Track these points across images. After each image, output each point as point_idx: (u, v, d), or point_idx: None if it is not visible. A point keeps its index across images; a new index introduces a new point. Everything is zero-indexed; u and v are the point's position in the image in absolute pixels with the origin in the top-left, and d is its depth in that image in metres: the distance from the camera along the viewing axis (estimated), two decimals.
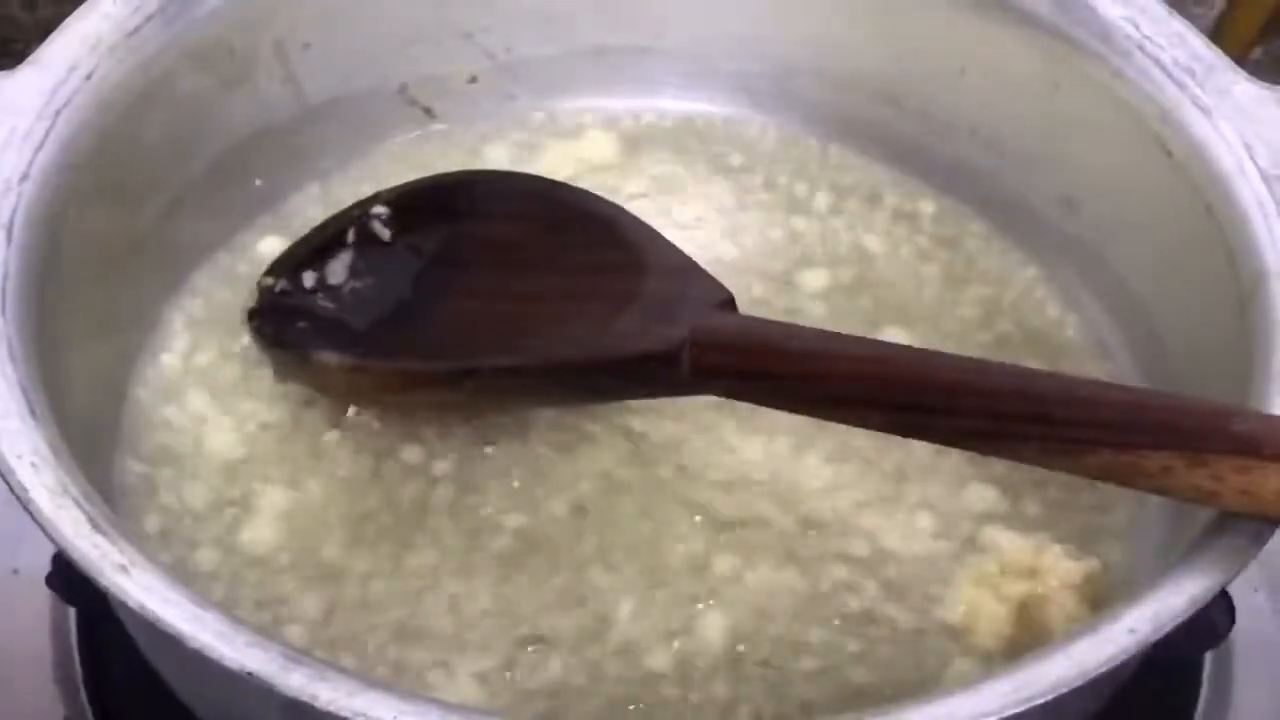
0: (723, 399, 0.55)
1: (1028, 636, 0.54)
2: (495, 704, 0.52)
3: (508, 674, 0.53)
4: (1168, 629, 0.44)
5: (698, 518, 0.56)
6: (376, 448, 0.58)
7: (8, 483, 0.45)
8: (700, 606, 0.54)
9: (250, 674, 0.42)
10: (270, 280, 0.61)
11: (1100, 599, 0.54)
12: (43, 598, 0.60)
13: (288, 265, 0.61)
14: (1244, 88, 0.57)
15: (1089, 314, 0.63)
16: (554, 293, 0.56)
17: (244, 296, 0.61)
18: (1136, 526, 0.57)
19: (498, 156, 0.67)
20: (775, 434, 0.58)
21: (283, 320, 0.60)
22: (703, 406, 0.58)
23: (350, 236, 0.61)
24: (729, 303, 0.54)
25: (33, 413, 0.47)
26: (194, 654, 0.42)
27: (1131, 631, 0.44)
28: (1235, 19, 1.01)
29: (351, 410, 0.59)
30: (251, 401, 0.59)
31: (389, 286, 0.59)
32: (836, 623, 0.54)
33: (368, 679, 0.42)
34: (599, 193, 0.61)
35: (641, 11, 0.67)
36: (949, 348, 0.60)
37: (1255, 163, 0.55)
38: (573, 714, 0.52)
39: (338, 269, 0.60)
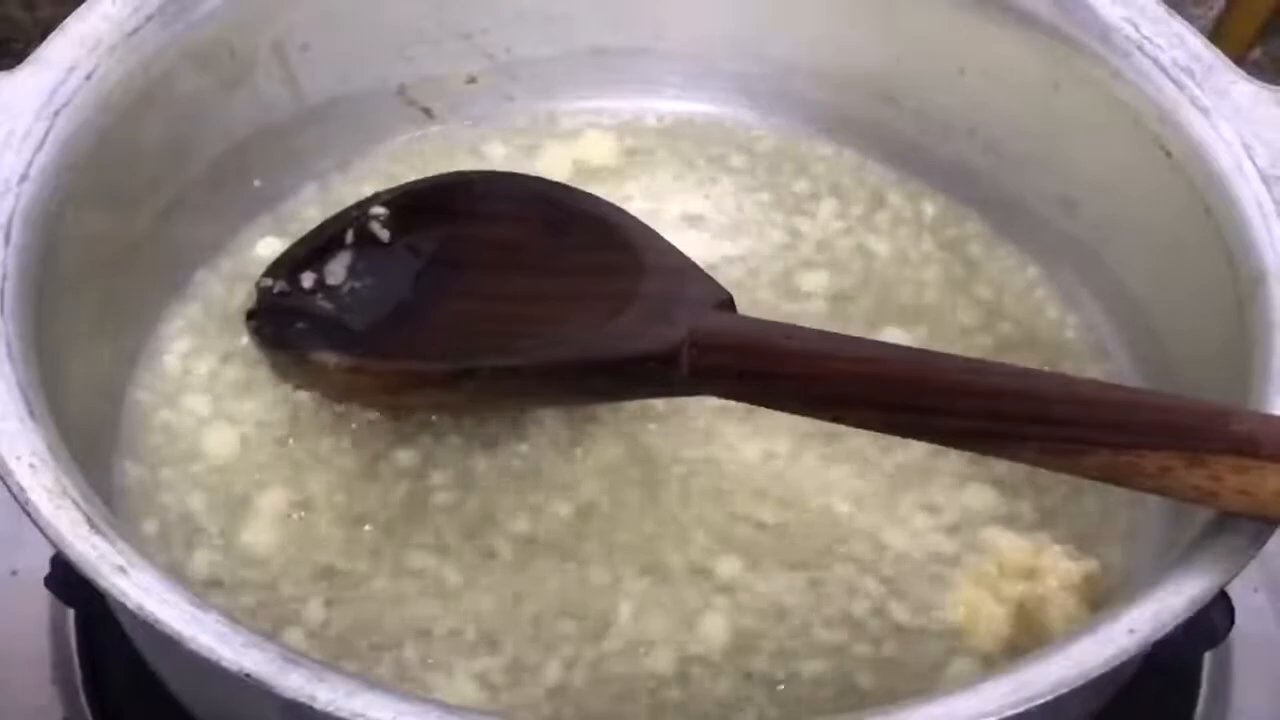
0: (722, 399, 0.55)
1: (1027, 637, 0.54)
2: (495, 705, 0.52)
3: (508, 675, 0.53)
4: (1167, 629, 0.44)
5: (698, 519, 0.56)
6: (376, 448, 0.58)
7: (6, 484, 0.45)
8: (701, 608, 0.54)
9: (248, 675, 0.42)
10: (269, 281, 0.61)
11: (1099, 599, 0.54)
12: (41, 599, 0.60)
13: (287, 266, 0.61)
14: (1243, 88, 0.57)
15: (1088, 314, 0.63)
16: (553, 293, 0.56)
17: (243, 297, 0.61)
18: (1135, 527, 0.57)
19: (496, 157, 0.67)
20: (775, 435, 0.58)
21: (282, 321, 0.60)
22: (702, 407, 0.58)
23: (349, 237, 0.61)
24: (728, 303, 0.54)
25: (31, 414, 0.47)
26: (192, 655, 0.42)
27: (1131, 632, 0.44)
28: (1234, 19, 1.01)
29: (351, 411, 0.59)
30: (251, 402, 0.59)
31: (388, 287, 0.59)
32: (837, 623, 0.54)
33: (367, 680, 0.42)
34: (597, 193, 0.61)
35: (640, 12, 0.67)
36: (948, 348, 0.61)
37: (1254, 163, 0.55)
38: (574, 716, 0.52)
39: (337, 270, 0.60)
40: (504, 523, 0.56)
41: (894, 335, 0.62)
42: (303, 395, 0.59)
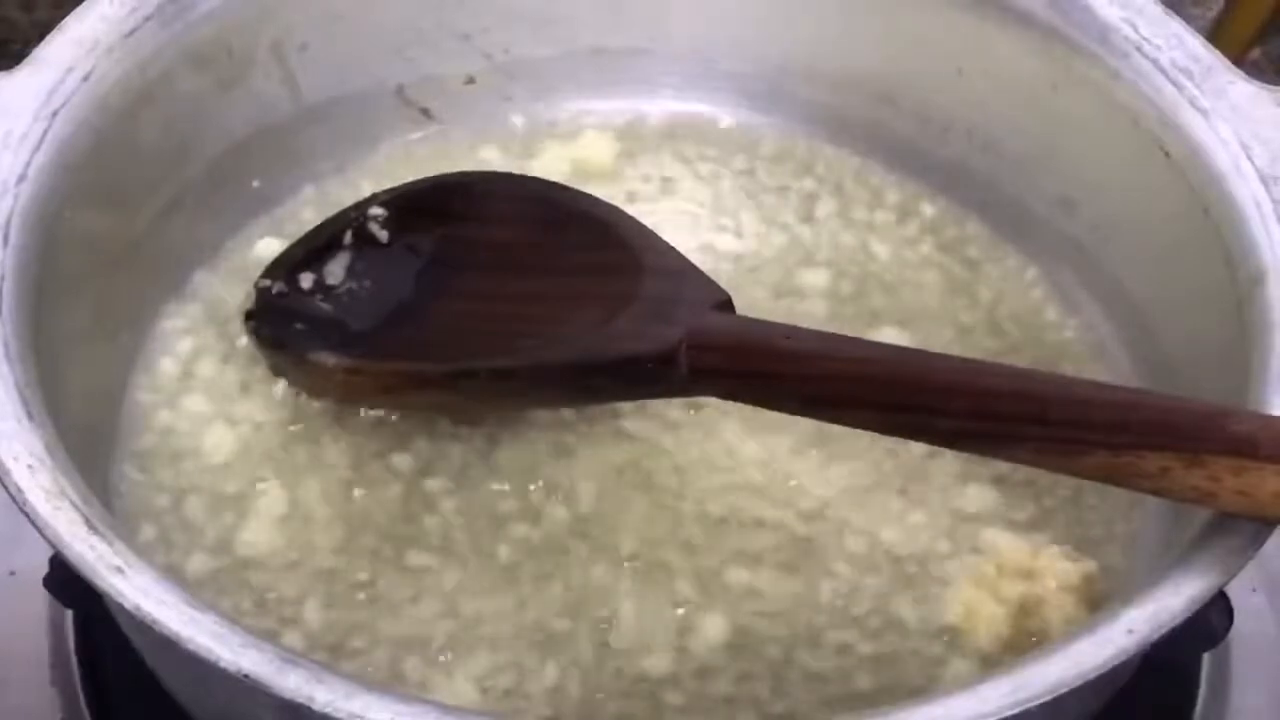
0: (721, 400, 0.55)
1: (1026, 638, 0.54)
2: (494, 707, 0.52)
3: (507, 676, 0.53)
4: (1166, 630, 0.44)
5: (697, 519, 0.56)
6: (375, 449, 0.58)
7: (4, 484, 0.45)
8: (701, 608, 0.54)
9: (246, 675, 0.42)
10: (268, 282, 0.60)
11: (1098, 600, 0.54)
12: (40, 600, 0.60)
13: (285, 266, 0.61)
14: (1241, 88, 0.57)
15: (1087, 314, 0.63)
16: (551, 294, 0.56)
17: (241, 298, 0.61)
18: (1134, 528, 0.57)
19: (495, 157, 0.67)
20: (774, 435, 0.58)
21: (280, 321, 0.59)
22: (701, 408, 0.58)
23: (348, 238, 0.61)
24: (726, 304, 0.54)
25: (29, 414, 0.47)
26: (190, 655, 0.42)
27: (1130, 632, 0.44)
28: (1233, 20, 1.01)
29: (350, 411, 0.59)
30: (249, 403, 0.59)
31: (387, 288, 0.59)
32: (836, 624, 0.54)
33: (365, 681, 0.42)
34: (596, 194, 0.61)
35: (639, 13, 0.67)
36: (947, 349, 0.61)
37: (1253, 163, 0.55)
38: (573, 717, 0.52)
39: (335, 270, 0.60)
40: (503, 523, 0.56)
41: (892, 336, 0.62)
42: (301, 396, 0.59)
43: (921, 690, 0.52)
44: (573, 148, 0.67)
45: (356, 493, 0.57)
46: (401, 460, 0.58)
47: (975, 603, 0.54)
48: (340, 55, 0.64)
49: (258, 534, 0.56)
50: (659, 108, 0.69)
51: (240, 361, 0.60)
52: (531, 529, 0.56)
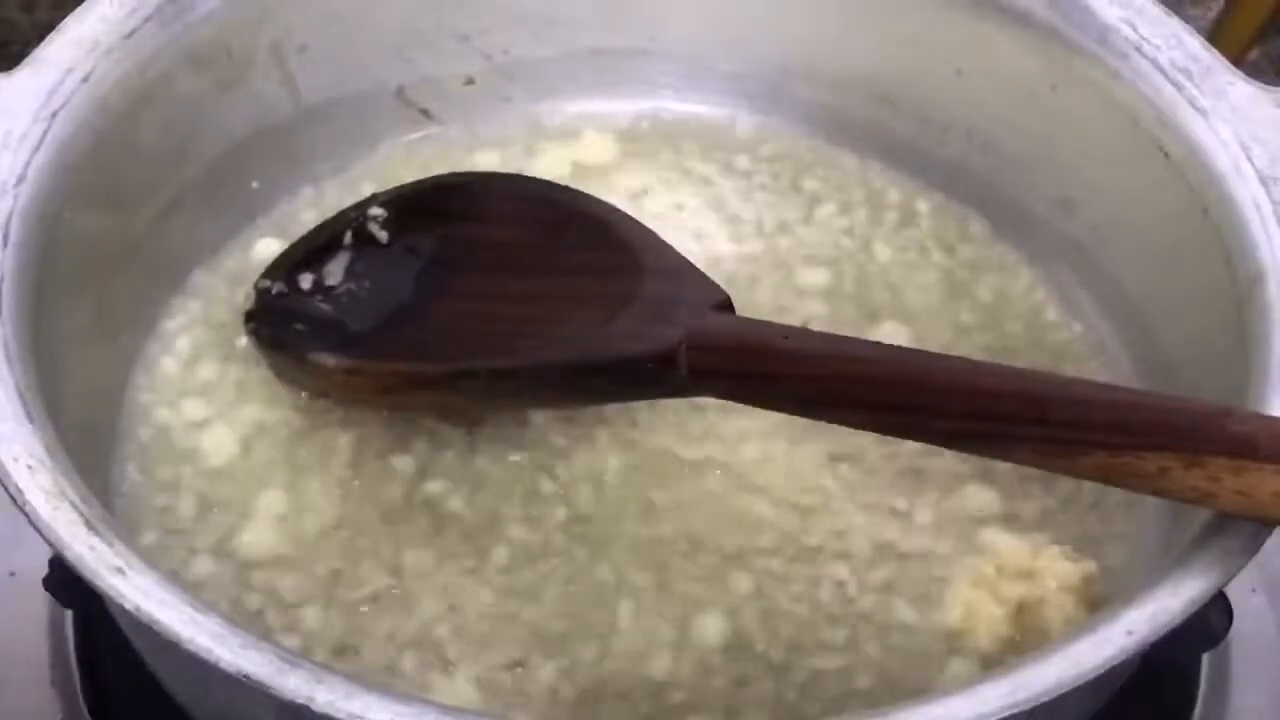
0: (720, 400, 0.55)
1: (1025, 638, 0.54)
2: (494, 707, 0.52)
3: (507, 677, 0.53)
4: (1165, 630, 0.44)
5: (696, 520, 0.56)
6: (375, 450, 0.58)
7: (4, 485, 0.45)
8: (701, 609, 0.54)
9: (247, 676, 0.42)
10: (267, 282, 0.61)
11: (1098, 600, 0.54)
12: (40, 600, 0.60)
13: (285, 267, 0.61)
14: (1241, 89, 0.57)
15: (1086, 314, 0.63)
16: (551, 294, 0.56)
17: (241, 298, 0.61)
18: (1134, 528, 0.57)
19: (494, 158, 0.67)
20: (774, 436, 0.58)
21: (280, 322, 0.59)
22: (701, 408, 0.58)
23: (347, 238, 0.61)
24: (726, 304, 0.54)
25: (29, 416, 0.47)
26: (191, 656, 0.42)
27: (1129, 633, 0.44)
28: (1233, 20, 1.01)
29: (350, 412, 0.59)
30: (249, 404, 0.59)
31: (386, 288, 0.59)
32: (836, 624, 0.54)
33: (365, 681, 0.42)
34: (596, 194, 0.61)
35: (638, 13, 0.67)
36: (947, 349, 0.61)
37: (1252, 164, 0.55)
38: (573, 718, 0.52)
39: (335, 271, 0.60)
40: (503, 524, 0.56)
41: (892, 336, 0.62)
42: (301, 396, 0.59)
43: (922, 690, 0.52)
44: (572, 148, 0.67)
45: (357, 493, 0.57)
46: (401, 461, 0.58)
47: (975, 603, 0.54)
48: (340, 56, 0.64)
49: (258, 535, 0.56)
50: (659, 108, 0.69)
51: (240, 362, 0.60)
52: (531, 529, 0.56)
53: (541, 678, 0.53)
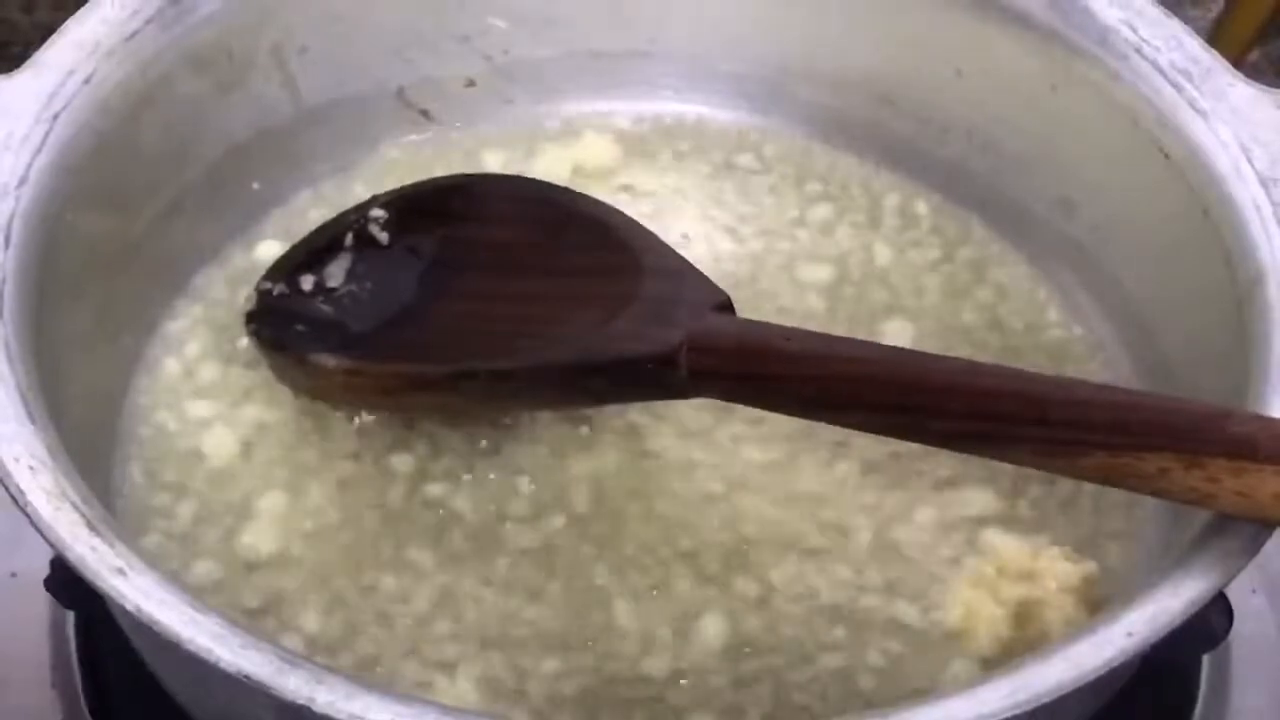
0: (721, 401, 0.55)
1: (1025, 639, 0.54)
2: (494, 707, 0.52)
3: (507, 677, 0.53)
4: (1165, 631, 0.44)
5: (697, 521, 0.56)
6: (375, 451, 0.58)
7: (6, 486, 0.45)
8: (701, 610, 0.54)
9: (247, 677, 0.42)
10: (268, 284, 0.61)
11: (1098, 601, 0.54)
12: (41, 601, 0.60)
13: (286, 268, 0.61)
14: (1241, 90, 0.57)
15: (1086, 315, 0.63)
16: (551, 295, 0.56)
17: (242, 300, 0.61)
18: (1134, 529, 0.57)
19: (495, 159, 0.67)
20: (773, 437, 0.58)
21: (281, 323, 0.60)
22: (700, 409, 0.58)
23: (348, 240, 0.61)
24: (726, 305, 0.54)
25: (31, 417, 0.47)
26: (191, 657, 0.42)
27: (1129, 634, 0.44)
28: (1233, 21, 1.01)
29: (351, 413, 0.59)
30: (250, 405, 0.59)
31: (387, 289, 0.59)
32: (836, 625, 0.54)
33: (365, 682, 0.42)
34: (596, 196, 0.61)
35: (638, 14, 0.67)
36: (947, 350, 0.61)
37: (1252, 165, 0.55)
38: (573, 718, 0.52)
39: (336, 272, 0.60)
40: (503, 524, 0.56)
41: (893, 337, 0.62)
42: (302, 398, 0.59)
43: (922, 691, 0.52)
44: (573, 149, 0.67)
45: (357, 494, 0.57)
46: (402, 461, 0.58)
47: (975, 604, 0.54)
48: (340, 58, 0.64)
49: (259, 535, 0.56)
50: (659, 109, 0.69)
51: (241, 363, 0.60)
52: (532, 530, 0.56)
53: (541, 678, 0.53)
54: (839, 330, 0.60)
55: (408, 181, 0.63)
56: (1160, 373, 0.59)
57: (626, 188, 0.66)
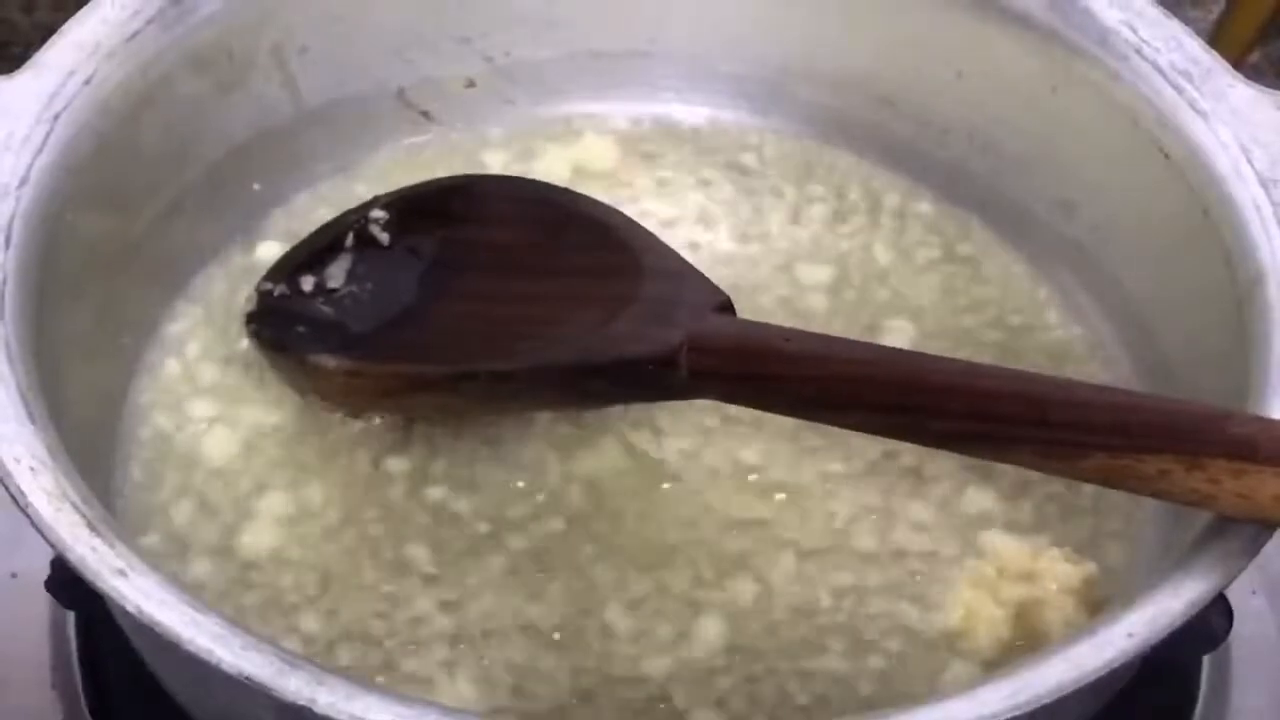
0: (720, 402, 0.55)
1: (1026, 640, 0.54)
2: (495, 708, 0.52)
3: (508, 677, 0.53)
4: (1166, 632, 0.44)
5: (696, 522, 0.56)
6: (375, 451, 0.58)
7: (6, 486, 0.45)
8: (701, 612, 0.54)
9: (248, 678, 0.42)
10: (269, 284, 0.61)
11: (1098, 603, 0.54)
12: (41, 602, 0.60)
13: (286, 269, 0.61)
14: (1241, 91, 0.57)
15: (1086, 316, 0.63)
16: (551, 296, 0.56)
17: (243, 300, 0.61)
18: (1134, 530, 0.57)
19: (495, 160, 0.67)
20: (773, 438, 0.58)
21: (282, 324, 0.60)
22: (700, 410, 0.58)
23: (348, 240, 0.61)
24: (726, 306, 0.54)
25: (32, 417, 0.47)
26: (192, 658, 0.42)
27: (1129, 635, 0.44)
28: (1233, 22, 1.01)
29: (350, 414, 0.59)
30: (251, 406, 0.59)
31: (387, 290, 0.59)
32: (835, 627, 0.54)
33: (366, 683, 0.42)
34: (596, 196, 0.61)
35: (639, 15, 0.67)
36: (948, 351, 0.61)
37: (1252, 166, 0.55)
38: (573, 718, 0.52)
39: (336, 273, 0.60)
40: (503, 525, 0.56)
41: (893, 338, 0.62)
42: (303, 398, 0.59)
43: (921, 693, 0.52)
44: (573, 150, 0.67)
45: (357, 494, 0.57)
46: (402, 462, 0.58)
47: (975, 605, 0.54)
48: (340, 58, 0.64)
49: (259, 536, 0.56)
50: (659, 110, 0.69)
51: (242, 364, 0.60)
52: (532, 530, 0.56)
53: (541, 678, 0.53)
54: (839, 331, 0.60)
55: (408, 182, 0.63)
56: (1160, 373, 0.59)
57: (627, 188, 0.66)
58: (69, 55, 0.55)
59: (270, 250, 0.63)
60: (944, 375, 0.50)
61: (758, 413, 0.55)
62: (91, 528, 0.45)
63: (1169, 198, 0.57)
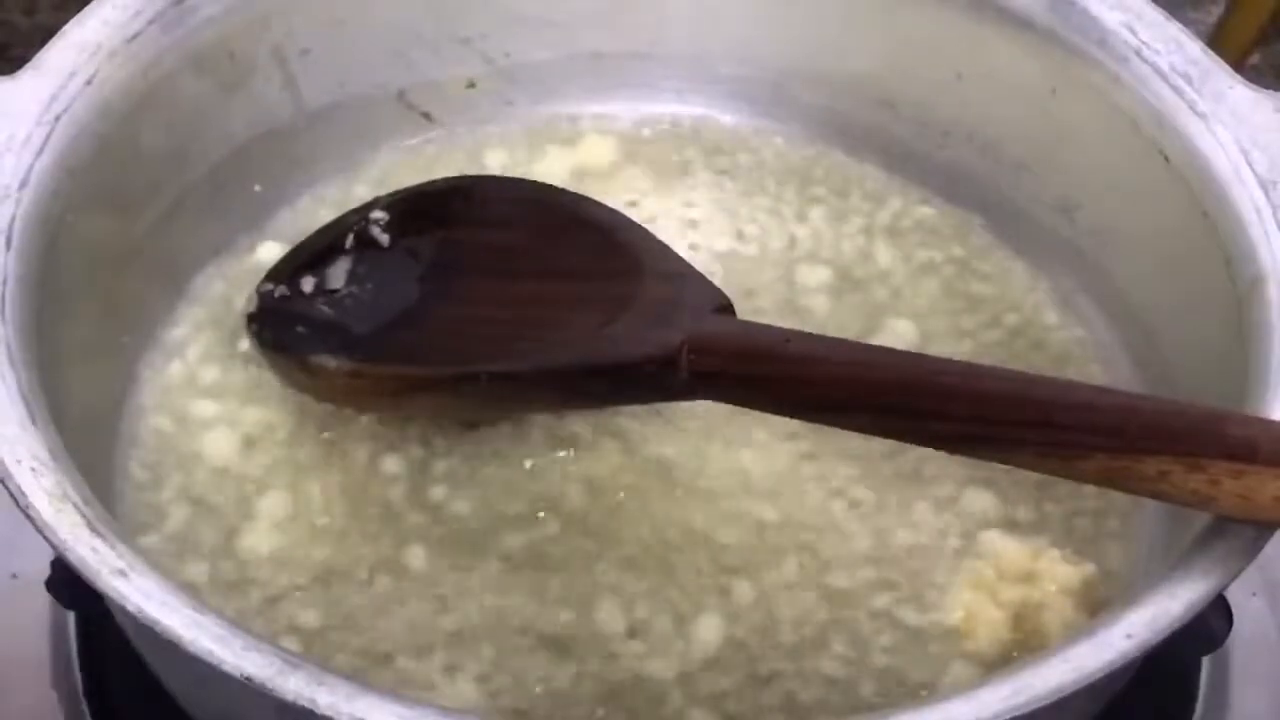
0: (721, 404, 0.55)
1: (1025, 641, 0.54)
2: (495, 709, 0.52)
3: (508, 678, 0.53)
4: (1165, 634, 0.44)
5: (696, 523, 0.57)
6: (375, 452, 0.58)
7: (7, 487, 0.45)
8: (700, 611, 0.54)
9: (249, 678, 0.42)
10: (269, 285, 0.61)
11: (1098, 604, 0.54)
12: (42, 602, 0.60)
13: (287, 270, 0.61)
14: (1240, 93, 0.57)
15: (1086, 318, 0.63)
16: (551, 297, 0.56)
17: (243, 301, 0.61)
18: (1133, 531, 0.57)
19: (496, 161, 0.67)
20: (773, 439, 0.58)
21: (282, 325, 0.60)
22: (700, 411, 0.58)
23: (349, 241, 0.61)
24: (727, 308, 0.54)
25: (33, 418, 0.47)
26: (192, 658, 0.42)
27: (1129, 636, 0.44)
28: (1233, 24, 1.01)
29: (351, 414, 0.59)
30: (251, 407, 0.59)
31: (387, 291, 0.59)
32: (835, 627, 0.54)
33: (366, 683, 0.42)
34: (597, 198, 0.61)
35: (639, 16, 0.67)
36: (948, 352, 0.61)
37: (1252, 168, 0.55)
38: (573, 719, 0.52)
39: (337, 274, 0.60)
40: (503, 525, 0.56)
41: (893, 340, 0.62)
42: (303, 399, 0.59)
43: (920, 694, 0.52)
44: (574, 151, 0.67)
45: (357, 495, 0.57)
46: (402, 463, 0.58)
47: (975, 606, 0.54)
48: (341, 60, 0.64)
49: (259, 537, 0.56)
50: (660, 111, 0.69)
51: (242, 365, 0.60)
52: (531, 530, 0.56)
53: (542, 678, 0.53)
54: (839, 333, 0.60)
55: (409, 183, 0.63)
56: (1160, 374, 0.59)
57: (627, 190, 0.66)
58: (70, 56, 0.55)
59: (271, 251, 0.63)
60: (944, 377, 0.50)
61: (758, 414, 0.55)
62: (92, 528, 0.45)
63: (1169, 199, 0.57)
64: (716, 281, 0.56)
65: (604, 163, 0.67)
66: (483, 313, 0.57)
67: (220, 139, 0.62)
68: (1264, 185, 0.55)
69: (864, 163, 0.68)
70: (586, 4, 0.67)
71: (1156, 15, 0.59)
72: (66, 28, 0.56)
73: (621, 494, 0.57)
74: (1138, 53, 0.58)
